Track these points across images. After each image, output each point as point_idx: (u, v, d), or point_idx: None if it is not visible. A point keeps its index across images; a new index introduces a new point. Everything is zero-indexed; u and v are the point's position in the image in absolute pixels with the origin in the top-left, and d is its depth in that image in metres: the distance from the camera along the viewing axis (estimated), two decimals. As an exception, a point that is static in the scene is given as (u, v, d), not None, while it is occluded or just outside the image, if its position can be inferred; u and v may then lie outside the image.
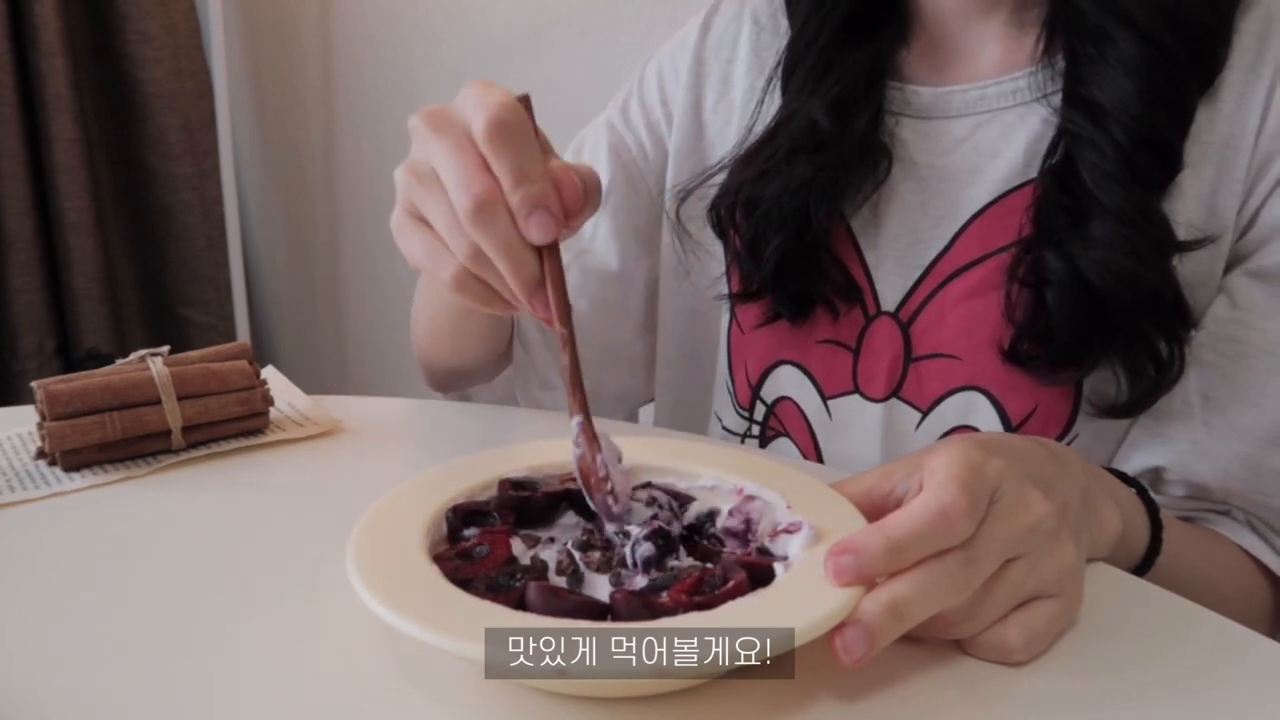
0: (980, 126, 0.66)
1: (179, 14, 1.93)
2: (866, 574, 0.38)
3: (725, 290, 0.74)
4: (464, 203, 0.44)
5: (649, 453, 0.53)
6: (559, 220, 0.45)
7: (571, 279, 0.79)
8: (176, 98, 1.94)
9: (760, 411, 0.74)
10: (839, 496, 0.47)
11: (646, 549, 0.44)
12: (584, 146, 0.82)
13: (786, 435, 0.73)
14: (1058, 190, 0.61)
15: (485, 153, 0.44)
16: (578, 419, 0.47)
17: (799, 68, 0.70)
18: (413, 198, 0.47)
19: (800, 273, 0.68)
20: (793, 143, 0.68)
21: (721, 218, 0.71)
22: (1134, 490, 0.55)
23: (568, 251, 0.79)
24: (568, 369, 0.47)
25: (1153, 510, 0.54)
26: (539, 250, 0.46)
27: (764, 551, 0.44)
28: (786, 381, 0.72)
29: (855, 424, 0.70)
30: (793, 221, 0.67)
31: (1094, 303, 0.58)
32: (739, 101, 0.76)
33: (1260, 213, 0.60)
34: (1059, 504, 0.43)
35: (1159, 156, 0.59)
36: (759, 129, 0.72)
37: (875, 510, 0.46)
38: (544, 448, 0.53)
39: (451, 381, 0.81)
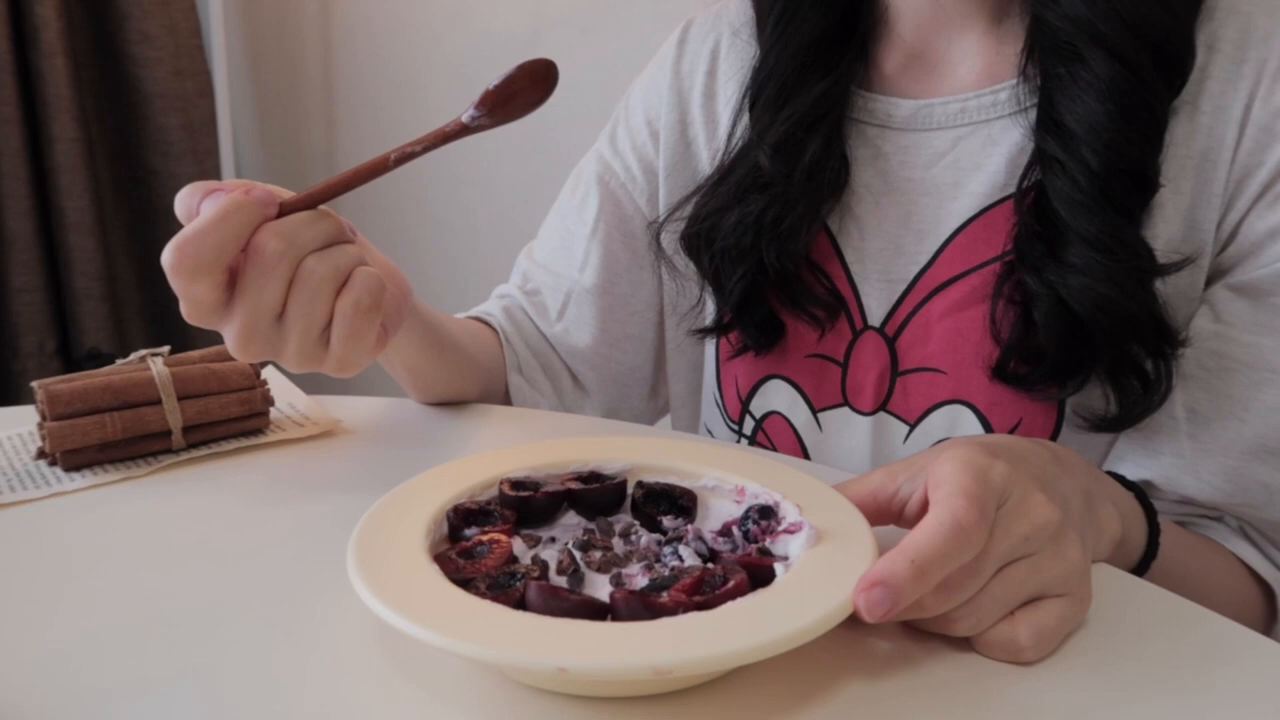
0: (961, 139, 0.66)
1: (179, 14, 1.93)
2: (900, 604, 0.38)
3: (702, 322, 0.75)
4: None
5: (650, 452, 0.53)
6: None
7: (570, 314, 0.80)
8: (177, 97, 1.94)
9: (749, 426, 0.74)
10: (840, 497, 0.47)
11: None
12: (580, 177, 0.83)
13: (774, 450, 0.73)
14: (1033, 217, 0.60)
15: None
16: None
17: (759, 99, 0.70)
18: None
19: (775, 296, 0.69)
20: (741, 182, 0.69)
21: (691, 248, 0.72)
22: (1133, 494, 0.55)
23: (559, 290, 0.80)
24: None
25: (1150, 514, 0.54)
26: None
27: (764, 551, 0.45)
28: (776, 395, 0.72)
29: (845, 436, 0.70)
30: (751, 255, 0.68)
31: (1077, 325, 0.58)
32: (724, 114, 0.76)
33: (1240, 227, 0.59)
34: (1062, 505, 0.43)
35: (1133, 181, 0.58)
36: (729, 156, 0.72)
37: (880, 511, 0.46)
38: (544, 448, 0.53)
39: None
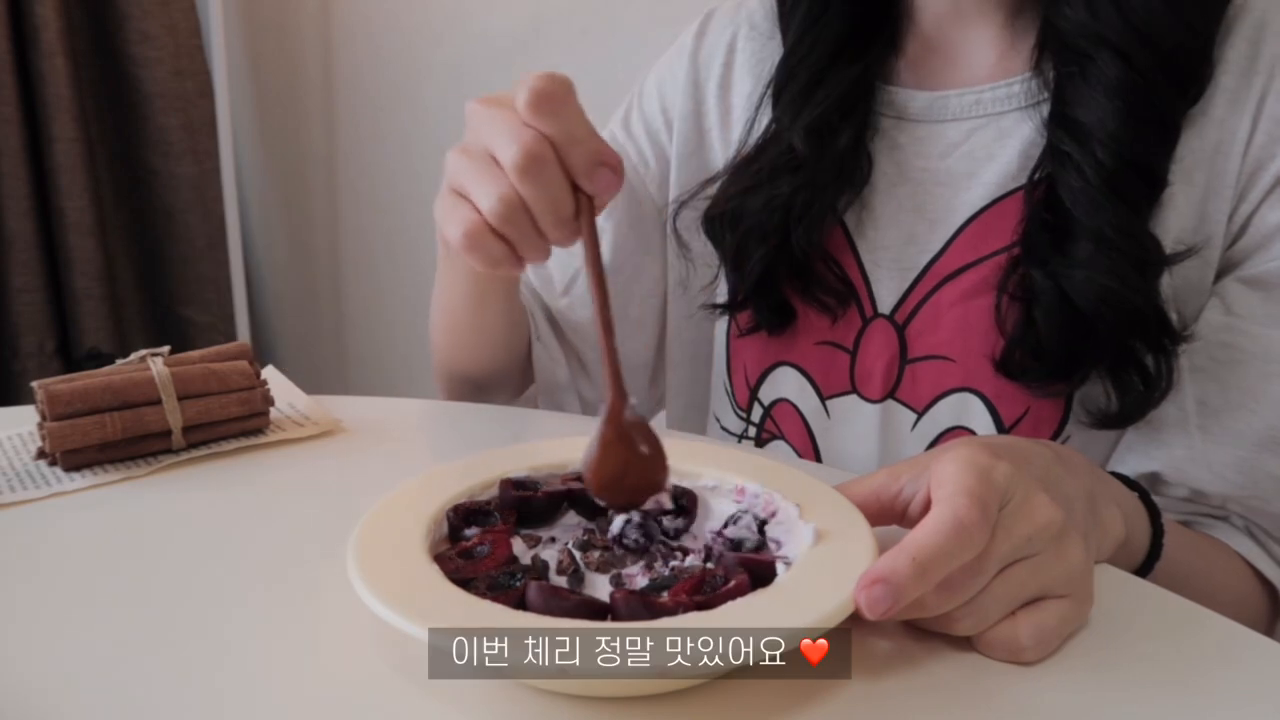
0: (975, 131, 0.66)
1: (179, 14, 1.93)
2: (901, 602, 0.38)
3: (714, 299, 0.75)
4: (513, 154, 0.43)
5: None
6: (620, 176, 0.45)
7: (576, 290, 0.81)
8: (177, 98, 1.94)
9: (757, 413, 0.74)
10: (840, 497, 0.47)
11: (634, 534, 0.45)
12: None
13: (782, 438, 0.74)
14: (1042, 208, 0.61)
15: (531, 121, 0.44)
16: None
17: (788, 86, 0.70)
18: (457, 172, 0.47)
19: (788, 281, 0.69)
20: (773, 163, 0.69)
21: (713, 227, 0.72)
22: (1136, 494, 0.55)
23: (569, 266, 0.80)
24: (602, 334, 0.45)
25: (1154, 514, 0.54)
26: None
27: (764, 549, 0.44)
28: (785, 383, 0.72)
29: (853, 423, 0.70)
30: (775, 236, 0.68)
31: (1080, 321, 0.58)
32: (738, 106, 0.77)
33: (1252, 219, 0.60)
34: (1065, 506, 0.43)
35: (1143, 177, 0.59)
36: (754, 141, 0.73)
37: (883, 511, 0.46)
38: (545, 447, 0.53)
39: (470, 395, 0.81)
